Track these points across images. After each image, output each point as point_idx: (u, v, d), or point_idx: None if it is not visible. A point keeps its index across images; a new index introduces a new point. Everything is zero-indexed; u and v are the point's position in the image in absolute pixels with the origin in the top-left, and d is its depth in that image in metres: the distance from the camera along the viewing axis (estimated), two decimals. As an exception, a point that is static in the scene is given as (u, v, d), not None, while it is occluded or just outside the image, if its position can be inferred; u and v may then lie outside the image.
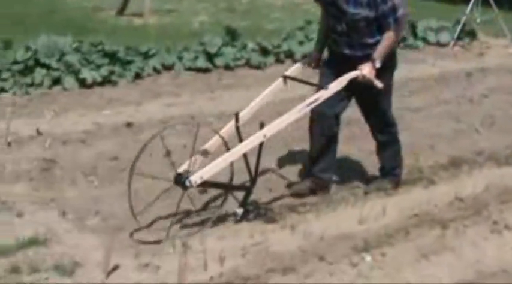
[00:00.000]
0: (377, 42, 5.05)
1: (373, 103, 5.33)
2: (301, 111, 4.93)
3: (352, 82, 5.03)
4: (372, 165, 5.82)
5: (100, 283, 4.09)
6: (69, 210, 4.92)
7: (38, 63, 8.19)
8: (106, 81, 8.20)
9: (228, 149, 4.85)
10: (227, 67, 9.04)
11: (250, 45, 9.47)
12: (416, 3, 13.89)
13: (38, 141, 6.40)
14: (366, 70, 4.98)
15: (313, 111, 5.16)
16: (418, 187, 5.60)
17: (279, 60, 9.45)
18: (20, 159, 5.95)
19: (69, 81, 8.07)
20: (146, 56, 8.76)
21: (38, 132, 6.61)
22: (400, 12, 5.00)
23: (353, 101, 5.39)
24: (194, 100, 7.81)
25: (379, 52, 5.01)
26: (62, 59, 8.25)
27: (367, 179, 5.71)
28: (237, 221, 4.90)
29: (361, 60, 5.05)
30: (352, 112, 5.66)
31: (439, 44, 11.02)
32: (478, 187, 5.52)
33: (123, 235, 4.64)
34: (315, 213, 5.03)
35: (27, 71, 8.11)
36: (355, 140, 6.49)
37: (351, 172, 5.88)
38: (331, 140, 5.39)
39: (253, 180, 4.99)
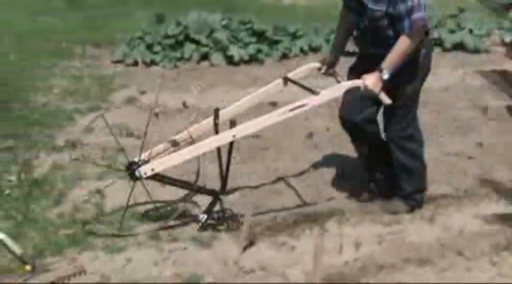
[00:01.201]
0: None
1: (395, 113, 4.60)
2: (282, 115, 4.33)
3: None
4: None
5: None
6: (209, 183, 4.99)
7: (188, 39, 8.40)
8: (253, 60, 8.29)
9: None
10: (374, 52, 8.91)
11: (399, 31, 9.28)
12: None
13: (184, 114, 6.56)
14: (369, 80, 4.28)
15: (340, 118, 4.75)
16: None
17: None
18: (166, 130, 6.11)
19: (217, 57, 8.23)
20: (294, 36, 8.79)
21: (185, 106, 6.78)
22: (416, 15, 4.22)
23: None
24: (338, 84, 7.75)
25: (388, 61, 4.27)
26: (211, 36, 8.42)
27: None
28: (200, 229, 4.44)
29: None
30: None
31: None
32: None
33: (261, 212, 4.68)
34: (456, 206, 4.88)
35: (177, 45, 8.35)
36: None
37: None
38: (376, 147, 4.80)
39: (223, 185, 4.55)
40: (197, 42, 8.37)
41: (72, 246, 4.23)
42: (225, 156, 4.48)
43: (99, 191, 4.84)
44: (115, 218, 4.53)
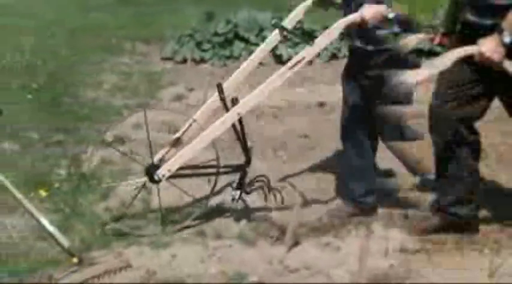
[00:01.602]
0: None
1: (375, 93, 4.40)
2: (282, 76, 4.16)
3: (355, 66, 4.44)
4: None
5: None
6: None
7: (237, 37, 8.43)
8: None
9: None
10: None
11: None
12: None
13: (230, 112, 6.56)
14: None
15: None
16: None
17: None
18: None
19: (265, 56, 8.20)
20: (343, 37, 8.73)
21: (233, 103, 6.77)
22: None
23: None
24: (387, 84, 7.70)
25: None
26: (261, 34, 8.42)
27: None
28: (235, 205, 4.46)
29: (371, 55, 4.31)
30: None
31: None
32: None
33: (306, 212, 4.65)
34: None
35: (226, 43, 8.38)
36: None
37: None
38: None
39: (247, 158, 4.48)
40: (246, 41, 8.39)
41: (118, 240, 4.27)
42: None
43: (145, 186, 4.87)
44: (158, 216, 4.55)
